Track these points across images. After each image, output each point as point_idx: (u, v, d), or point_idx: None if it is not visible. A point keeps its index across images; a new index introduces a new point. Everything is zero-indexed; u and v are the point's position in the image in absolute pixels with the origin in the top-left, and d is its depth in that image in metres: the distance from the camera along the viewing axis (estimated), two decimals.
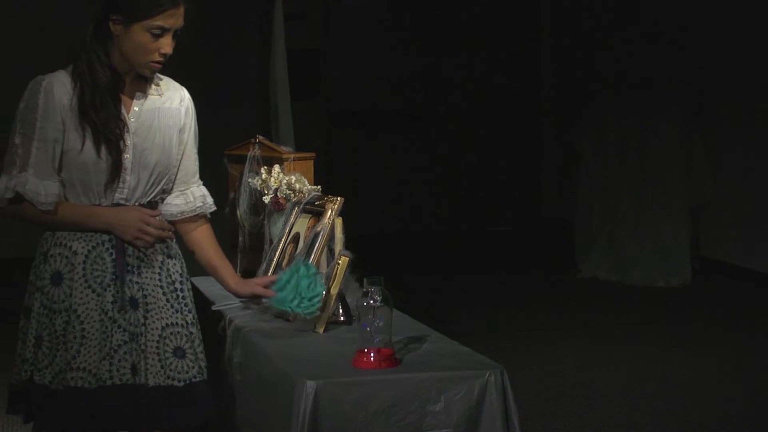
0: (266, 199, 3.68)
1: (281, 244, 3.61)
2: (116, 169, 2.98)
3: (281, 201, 3.70)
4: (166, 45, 2.96)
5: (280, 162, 3.84)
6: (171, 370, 3.00)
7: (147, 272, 3.03)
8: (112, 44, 2.96)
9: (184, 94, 3.16)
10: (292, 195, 3.69)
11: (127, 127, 3.00)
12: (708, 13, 7.94)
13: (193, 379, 3.02)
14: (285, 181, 3.70)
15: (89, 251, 2.99)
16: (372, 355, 2.88)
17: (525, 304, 7.27)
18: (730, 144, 7.84)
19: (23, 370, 3.01)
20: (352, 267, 3.45)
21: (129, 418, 2.96)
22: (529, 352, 6.03)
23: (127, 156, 3.00)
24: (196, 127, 3.21)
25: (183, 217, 3.18)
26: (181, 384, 3.00)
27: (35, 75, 3.03)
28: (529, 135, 9.87)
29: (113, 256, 2.99)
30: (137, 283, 3.01)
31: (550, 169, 9.78)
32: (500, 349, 5.45)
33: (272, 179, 3.72)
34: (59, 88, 2.96)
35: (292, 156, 4.00)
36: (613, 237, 8.00)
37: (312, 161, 4.04)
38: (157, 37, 2.93)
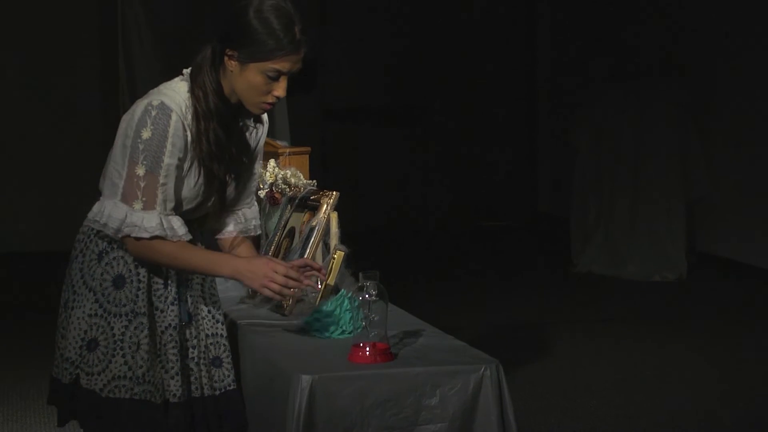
0: (261, 193, 3.67)
1: (276, 239, 3.61)
2: (221, 206, 2.98)
3: (276, 195, 3.70)
4: (281, 88, 2.86)
5: (276, 156, 3.84)
6: (211, 379, 2.99)
7: (195, 285, 3.01)
8: (225, 75, 2.88)
9: (265, 117, 3.08)
10: (288, 189, 3.69)
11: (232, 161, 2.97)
12: (705, 6, 7.95)
13: (228, 388, 3.01)
14: (280, 176, 3.70)
15: (150, 269, 2.94)
16: (367, 349, 2.88)
17: (521, 299, 7.27)
18: (725, 138, 7.84)
19: (67, 371, 2.97)
20: (348, 261, 3.45)
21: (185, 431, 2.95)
22: (524, 347, 6.03)
23: (228, 190, 3.00)
24: (263, 146, 3.16)
25: (230, 236, 3.14)
26: (218, 393, 3.00)
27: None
28: (525, 130, 9.88)
29: (174, 273, 2.96)
30: (191, 296, 3.00)
31: (546, 164, 9.79)
32: (495, 344, 5.44)
33: (267, 174, 3.72)
34: (185, 123, 2.86)
35: (288, 150, 4.00)
36: (609, 231, 8.01)
37: (307, 155, 4.04)
38: (273, 79, 2.85)
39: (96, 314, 2.94)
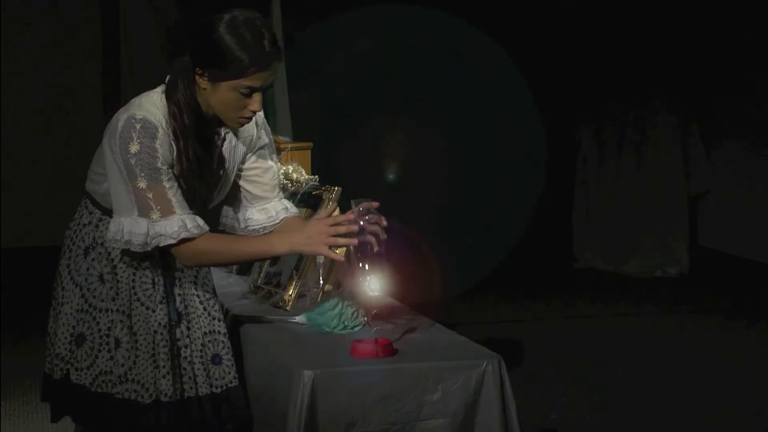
0: None
1: None
2: (203, 218, 2.96)
3: None
4: (255, 103, 2.81)
5: (278, 152, 3.84)
6: (210, 377, 2.99)
7: (186, 283, 3.00)
8: (199, 91, 2.84)
9: (255, 118, 3.02)
10: (290, 185, 3.69)
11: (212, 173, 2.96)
12: (707, 4, 7.94)
13: (229, 385, 3.01)
14: (282, 171, 3.70)
15: (136, 268, 2.94)
16: (369, 344, 2.88)
17: (522, 294, 7.27)
18: (727, 133, 7.84)
19: (57, 366, 2.99)
20: (350, 256, 3.45)
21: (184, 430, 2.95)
22: (526, 342, 6.03)
23: (210, 200, 3.00)
24: (270, 140, 3.11)
25: (265, 231, 3.12)
26: (219, 390, 2.99)
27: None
28: (528, 124, 9.86)
29: (160, 272, 2.96)
30: (179, 295, 2.98)
31: (549, 159, 9.78)
32: (497, 339, 5.45)
33: None
34: (170, 139, 2.83)
35: (290, 146, 4.01)
36: (611, 227, 8.01)
37: (309, 151, 4.05)
38: (246, 95, 2.81)
39: (82, 309, 2.96)
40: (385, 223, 2.89)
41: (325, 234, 2.82)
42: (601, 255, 7.99)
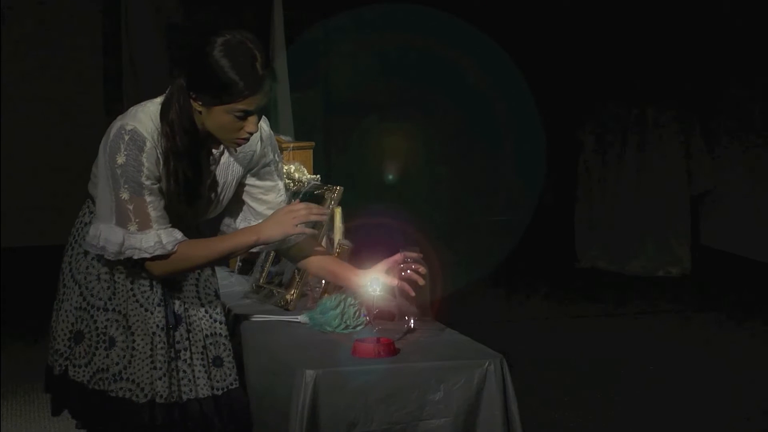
0: None
1: None
2: (197, 233, 2.98)
3: None
4: (251, 124, 2.80)
5: (280, 151, 3.84)
6: (211, 379, 2.99)
7: (187, 286, 3.00)
8: (195, 114, 2.83)
9: (260, 133, 3.03)
10: (292, 184, 3.69)
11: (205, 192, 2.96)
12: (709, 4, 7.94)
13: (230, 386, 3.01)
14: (284, 171, 3.69)
15: (135, 270, 2.93)
16: (371, 344, 2.88)
17: (524, 294, 7.27)
18: (729, 132, 7.83)
19: (57, 362, 3.01)
20: (351, 256, 3.45)
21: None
22: (528, 342, 6.03)
23: (203, 216, 3.01)
24: (276, 157, 3.11)
25: (266, 248, 3.14)
26: (220, 392, 3.00)
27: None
28: (530, 124, 9.86)
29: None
30: (179, 298, 2.99)
31: (551, 158, 9.78)
32: (499, 339, 5.44)
33: None
34: (158, 153, 2.82)
35: (291, 145, 4.00)
36: (613, 227, 8.01)
37: (311, 150, 4.04)
38: (241, 119, 2.79)
39: (81, 307, 2.97)
40: (423, 270, 3.07)
41: (290, 215, 2.90)
42: (603, 255, 7.99)
